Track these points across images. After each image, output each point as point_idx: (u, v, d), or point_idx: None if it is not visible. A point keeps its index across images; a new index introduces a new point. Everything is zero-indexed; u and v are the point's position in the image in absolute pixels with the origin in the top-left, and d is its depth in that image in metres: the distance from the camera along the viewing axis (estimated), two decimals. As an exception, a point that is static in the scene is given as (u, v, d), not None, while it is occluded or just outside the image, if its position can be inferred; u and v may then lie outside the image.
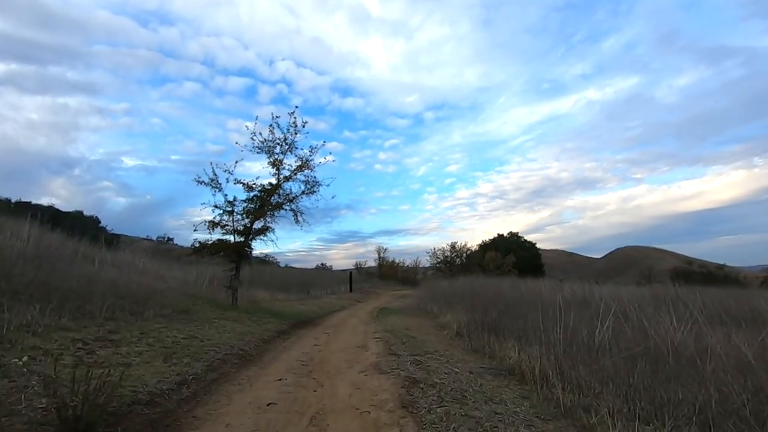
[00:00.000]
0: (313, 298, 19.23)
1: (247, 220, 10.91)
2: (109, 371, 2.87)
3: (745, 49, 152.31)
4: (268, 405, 3.46)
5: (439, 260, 45.68)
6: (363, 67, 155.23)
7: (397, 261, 49.82)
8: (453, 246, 46.11)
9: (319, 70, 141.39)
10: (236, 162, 10.44)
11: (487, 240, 51.80)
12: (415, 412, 3.30)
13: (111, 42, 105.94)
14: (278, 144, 10.86)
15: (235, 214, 10.65)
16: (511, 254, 43.58)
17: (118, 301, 6.78)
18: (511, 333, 7.97)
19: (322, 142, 11.09)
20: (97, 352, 4.08)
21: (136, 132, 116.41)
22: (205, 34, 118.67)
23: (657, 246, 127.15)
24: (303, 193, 11.44)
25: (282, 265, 43.18)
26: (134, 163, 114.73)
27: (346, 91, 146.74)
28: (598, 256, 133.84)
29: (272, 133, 10.75)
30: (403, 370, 4.83)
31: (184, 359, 4.49)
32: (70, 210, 34.03)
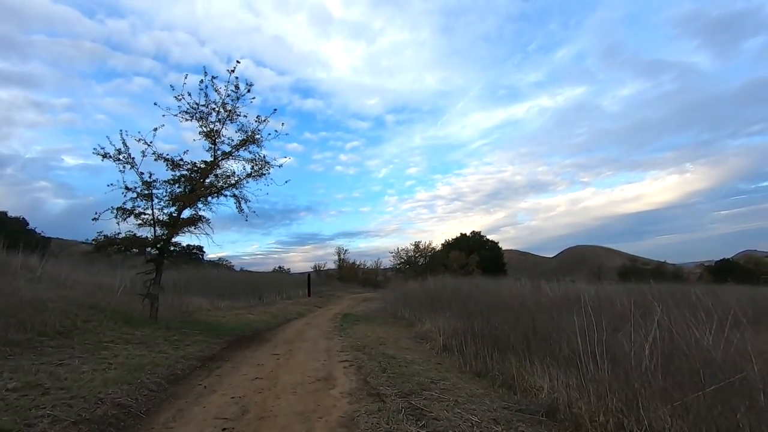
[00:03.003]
0: (265, 304, 16.68)
1: (173, 208, 8.40)
2: None
3: (678, 64, 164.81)
4: None
5: (402, 260, 43.93)
6: (324, 68, 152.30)
7: (357, 262, 47.67)
8: (417, 245, 44.53)
9: (279, 69, 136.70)
10: (155, 129, 7.90)
11: (451, 239, 50.81)
12: None
13: (51, 32, 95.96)
14: (214, 110, 8.44)
15: (155, 199, 8.10)
16: (474, 254, 42.69)
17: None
18: (519, 347, 6.16)
19: (273, 110, 8.83)
20: None
21: (78, 129, 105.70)
22: (158, 27, 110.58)
23: (602, 245, 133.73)
24: (249, 175, 9.08)
25: (237, 268, 39.95)
26: (76, 162, 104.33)
27: (306, 92, 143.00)
28: (551, 255, 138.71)
29: (206, 96, 8.33)
30: (400, 437, 2.78)
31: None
32: (-6, 211, 29.67)
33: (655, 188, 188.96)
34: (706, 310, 5.90)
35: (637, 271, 66.53)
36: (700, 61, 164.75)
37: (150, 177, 7.88)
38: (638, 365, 4.66)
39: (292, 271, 45.75)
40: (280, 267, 48.68)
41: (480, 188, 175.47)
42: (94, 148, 7.58)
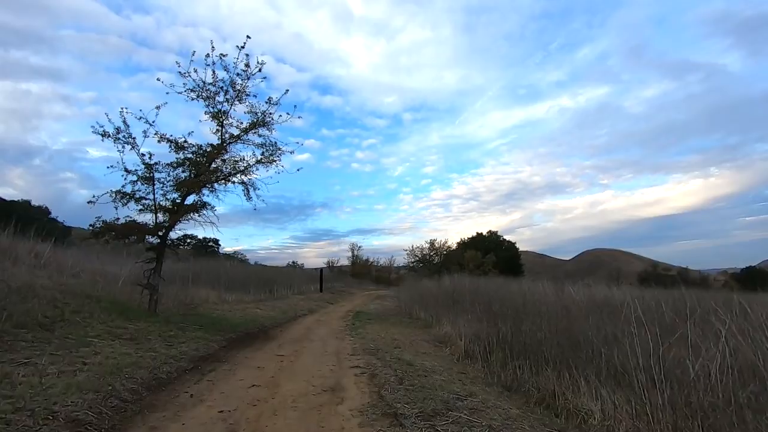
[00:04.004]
0: (276, 299, 16.17)
1: (176, 194, 7.85)
2: None
3: (705, 65, 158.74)
4: None
5: (417, 258, 43.13)
6: (343, 65, 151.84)
7: (370, 259, 47.09)
8: (432, 244, 43.71)
9: (298, 66, 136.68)
10: (158, 107, 7.34)
11: (467, 238, 49.71)
12: None
13: (79, 27, 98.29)
14: (222, 89, 7.84)
15: (157, 183, 7.56)
16: (491, 253, 41.58)
17: None
18: (557, 358, 5.38)
19: (285, 91, 8.15)
20: None
21: (103, 122, 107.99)
22: (182, 24, 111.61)
23: (621, 248, 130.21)
24: (258, 161, 8.47)
25: (252, 262, 39.84)
26: (100, 154, 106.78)
27: (325, 88, 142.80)
28: (567, 258, 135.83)
29: (214, 74, 7.73)
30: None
31: None
32: (17, 199, 30.19)
33: (678, 192, 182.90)
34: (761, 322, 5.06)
35: (658, 276, 64.22)
36: (730, 63, 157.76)
37: (150, 158, 7.33)
38: (707, 388, 3.88)
39: (306, 266, 45.45)
40: (293, 262, 48.49)
41: (496, 188, 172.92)
42: (92, 126, 7.05)
